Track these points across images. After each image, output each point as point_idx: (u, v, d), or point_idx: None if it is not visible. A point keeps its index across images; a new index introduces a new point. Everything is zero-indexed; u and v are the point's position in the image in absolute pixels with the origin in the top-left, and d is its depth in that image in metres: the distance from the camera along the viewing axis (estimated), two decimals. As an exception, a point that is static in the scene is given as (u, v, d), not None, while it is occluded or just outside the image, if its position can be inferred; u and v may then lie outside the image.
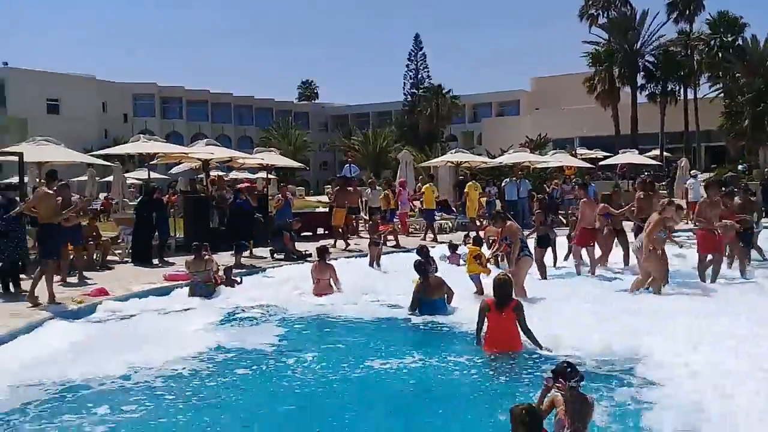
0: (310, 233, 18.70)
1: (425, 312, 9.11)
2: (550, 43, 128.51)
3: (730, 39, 41.57)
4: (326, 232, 19.10)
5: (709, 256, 11.11)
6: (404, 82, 60.32)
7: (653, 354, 6.83)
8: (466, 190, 19.66)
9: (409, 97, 59.60)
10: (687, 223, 16.48)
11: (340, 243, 16.28)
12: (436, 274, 9.91)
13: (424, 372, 7.02)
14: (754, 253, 12.97)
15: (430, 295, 9.22)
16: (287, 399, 6.25)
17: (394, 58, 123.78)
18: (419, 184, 20.59)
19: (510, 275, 8.14)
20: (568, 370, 4.60)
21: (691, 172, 24.42)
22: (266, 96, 69.11)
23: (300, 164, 24.46)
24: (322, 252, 11.15)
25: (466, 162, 23.05)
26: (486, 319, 7.47)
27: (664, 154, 41.01)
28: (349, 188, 17.62)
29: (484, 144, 46.46)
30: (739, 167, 33.34)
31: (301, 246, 15.01)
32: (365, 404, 6.15)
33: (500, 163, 24.97)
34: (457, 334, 8.35)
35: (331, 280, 10.88)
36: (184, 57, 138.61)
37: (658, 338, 7.31)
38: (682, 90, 43.95)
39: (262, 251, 15.13)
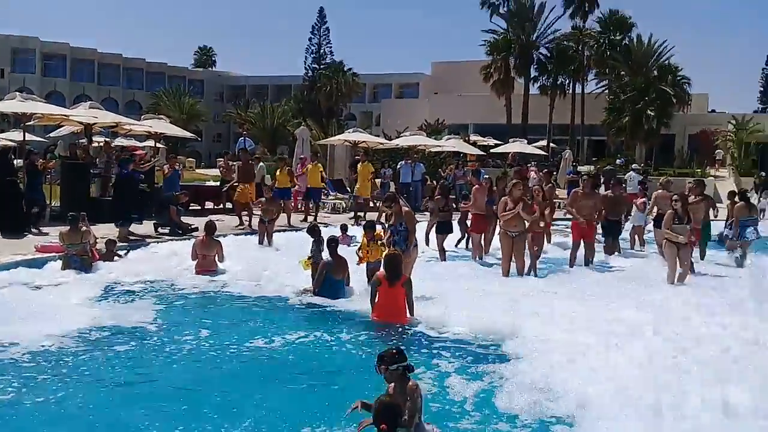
0: (199, 207, 18.15)
1: (325, 292, 9.02)
2: (452, 29, 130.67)
3: (618, 38, 43.91)
4: (217, 206, 18.64)
5: (581, 244, 11.92)
6: (306, 57, 59.49)
7: (524, 332, 7.29)
8: (358, 168, 19.52)
9: (310, 72, 58.81)
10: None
11: (255, 220, 15.83)
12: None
13: (310, 349, 7.12)
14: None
15: (335, 274, 9.18)
16: (168, 377, 6.12)
17: (296, 31, 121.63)
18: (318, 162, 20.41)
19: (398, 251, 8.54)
20: (396, 355, 4.66)
21: (632, 166, 25.73)
22: (159, 59, 66.09)
23: (191, 134, 23.60)
24: (211, 227, 10.87)
25: (363, 142, 23.10)
26: (377, 293, 7.90)
27: (551, 145, 42.92)
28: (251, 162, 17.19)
29: (383, 125, 46.76)
30: (618, 161, 35.45)
31: (189, 221, 14.54)
32: (248, 382, 6.11)
33: (396, 145, 25.23)
34: (347, 313, 8.44)
35: (217, 257, 10.63)
36: (71, 12, 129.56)
37: (532, 318, 7.83)
38: (571, 84, 46.04)
39: (146, 224, 14.53)
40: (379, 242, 9.59)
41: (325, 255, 9.36)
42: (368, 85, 60.00)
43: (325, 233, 10.21)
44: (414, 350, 6.94)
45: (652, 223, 13.59)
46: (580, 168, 29.90)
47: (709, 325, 7.57)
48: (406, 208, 9.68)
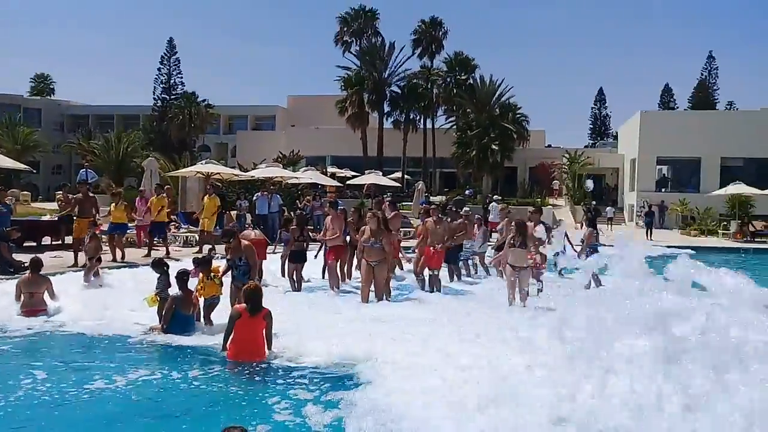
0: (35, 243, 16.70)
1: (174, 328, 8.56)
2: (308, 63, 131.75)
3: (463, 77, 46.57)
4: (55, 242, 17.26)
5: (427, 270, 12.56)
6: (155, 86, 57.28)
7: (378, 357, 7.42)
8: (204, 202, 18.85)
9: (159, 102, 56.65)
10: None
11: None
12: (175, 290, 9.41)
13: (156, 389, 6.72)
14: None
15: (185, 309, 8.75)
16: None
17: (144, 60, 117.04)
18: (164, 195, 19.46)
19: (259, 284, 8.30)
20: None
21: (495, 197, 26.87)
22: (-11, 86, 60.68)
23: (25, 166, 21.72)
24: (36, 264, 10.01)
25: (216, 174, 22.51)
26: (234, 328, 7.55)
27: (406, 177, 44.37)
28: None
29: (239, 157, 45.91)
30: (466, 192, 37.31)
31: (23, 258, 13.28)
32: (87, 426, 5.69)
33: (252, 176, 24.83)
34: (198, 349, 8.06)
35: (47, 294, 9.79)
36: None
37: (386, 343, 7.95)
38: (422, 119, 48.00)
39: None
40: (215, 278, 9.24)
41: (174, 290, 8.93)
42: (223, 116, 58.76)
43: (178, 267, 9.73)
44: (270, 381, 6.84)
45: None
46: (432, 198, 31.11)
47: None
48: (246, 242, 9.42)
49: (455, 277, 13.87)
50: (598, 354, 6.37)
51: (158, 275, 9.50)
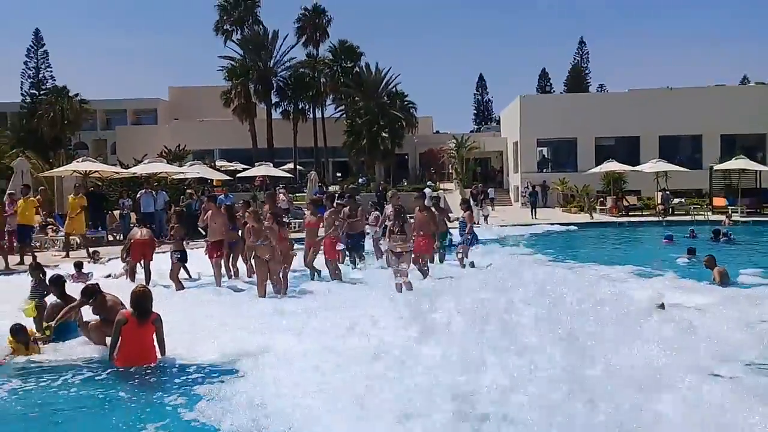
0: None
1: (58, 336, 8.07)
2: (189, 53, 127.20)
3: (349, 65, 46.56)
4: None
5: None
6: (22, 81, 53.45)
7: (269, 350, 7.48)
8: (70, 201, 17.79)
9: (28, 98, 52.87)
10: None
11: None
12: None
13: (39, 400, 6.40)
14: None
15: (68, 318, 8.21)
16: None
17: (9, 53, 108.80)
18: (31, 196, 18.14)
19: (147, 287, 7.92)
20: None
21: (428, 183, 26.73)
22: None
23: None
24: None
25: (95, 171, 21.28)
26: (121, 334, 7.18)
27: (298, 167, 43.94)
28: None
29: (119, 153, 43.73)
30: (360, 180, 37.52)
31: None
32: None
33: (134, 173, 23.69)
34: (84, 358, 7.64)
35: None
36: None
37: (279, 336, 8.01)
38: (311, 109, 47.62)
39: None
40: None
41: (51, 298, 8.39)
42: (99, 111, 55.66)
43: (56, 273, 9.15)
44: (161, 383, 6.72)
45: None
46: (326, 188, 31.02)
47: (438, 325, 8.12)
48: (111, 300, 8.21)
49: (356, 264, 13.91)
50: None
51: (33, 281, 8.90)
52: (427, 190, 25.51)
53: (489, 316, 7.95)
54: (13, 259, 15.69)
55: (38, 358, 7.83)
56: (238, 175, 33.29)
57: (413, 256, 11.63)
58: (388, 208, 14.27)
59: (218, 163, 38.02)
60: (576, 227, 25.11)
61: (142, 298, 7.33)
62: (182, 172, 25.44)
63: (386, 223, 13.47)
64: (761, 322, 8.60)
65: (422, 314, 8.32)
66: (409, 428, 5.19)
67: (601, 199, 31.59)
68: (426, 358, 6.72)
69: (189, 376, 6.90)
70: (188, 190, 24.57)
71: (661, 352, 6.64)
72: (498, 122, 59.54)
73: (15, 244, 16.49)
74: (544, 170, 38.44)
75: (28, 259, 14.96)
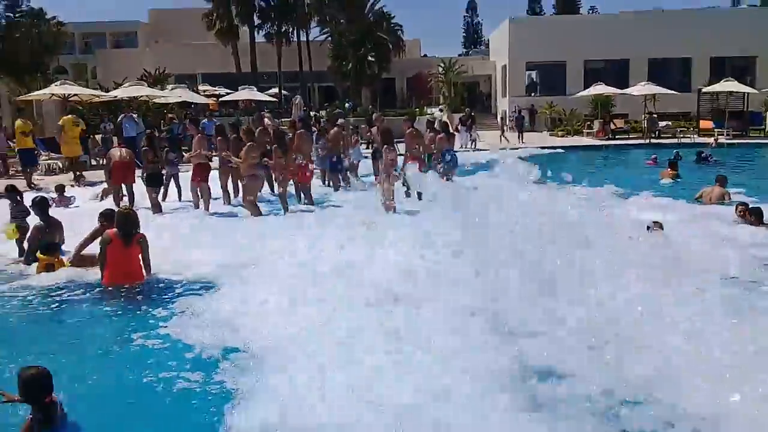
0: None
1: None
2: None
3: (334, -15, 45.05)
4: None
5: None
6: (-4, 3, 51.29)
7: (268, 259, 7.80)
8: (60, 124, 17.50)
9: (3, 20, 50.98)
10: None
11: None
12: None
13: (27, 314, 6.67)
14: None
15: (51, 237, 8.25)
16: None
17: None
18: (19, 121, 17.91)
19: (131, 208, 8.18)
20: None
21: (440, 107, 26.25)
22: None
23: None
24: None
25: (74, 95, 20.83)
26: (107, 254, 7.33)
27: (283, 92, 43.18)
28: None
29: (100, 78, 42.66)
30: (346, 105, 37.01)
31: None
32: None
33: (115, 97, 23.21)
34: (70, 277, 7.71)
35: None
36: None
37: (264, 254, 8.31)
38: (296, 32, 46.37)
39: None
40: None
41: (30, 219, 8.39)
42: (78, 35, 53.98)
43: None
44: (145, 301, 6.89)
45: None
46: (313, 113, 30.60)
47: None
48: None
49: (336, 187, 13.98)
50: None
51: (11, 204, 8.85)
52: (437, 114, 25.33)
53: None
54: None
55: (23, 272, 7.94)
56: (222, 99, 32.74)
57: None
58: (374, 131, 14.22)
59: (201, 87, 37.27)
60: (563, 150, 25.11)
61: (125, 219, 7.42)
62: (164, 96, 24.98)
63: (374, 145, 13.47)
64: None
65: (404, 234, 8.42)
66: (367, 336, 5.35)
67: (589, 122, 31.48)
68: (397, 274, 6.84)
69: (168, 294, 7.10)
70: (169, 115, 24.19)
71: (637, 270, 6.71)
72: (487, 46, 58.42)
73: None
74: (533, 94, 38.05)
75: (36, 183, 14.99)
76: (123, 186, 12.53)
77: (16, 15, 50.60)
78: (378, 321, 5.65)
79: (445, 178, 13.68)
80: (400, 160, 14.35)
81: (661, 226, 8.39)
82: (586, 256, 6.26)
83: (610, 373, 4.70)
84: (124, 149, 12.90)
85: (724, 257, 7.52)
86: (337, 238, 8.69)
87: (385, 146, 11.48)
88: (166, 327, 6.03)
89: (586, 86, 32.81)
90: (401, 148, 12.82)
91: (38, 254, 7.93)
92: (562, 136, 30.93)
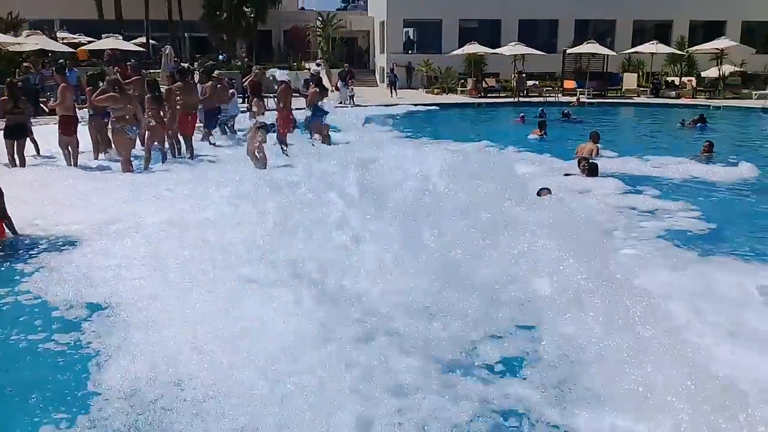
0: None
1: None
2: None
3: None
4: None
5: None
6: None
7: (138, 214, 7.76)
8: None
9: None
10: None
11: None
12: None
13: None
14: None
15: None
16: None
17: None
18: None
19: None
20: None
21: (317, 61, 25.34)
22: None
23: None
24: None
25: None
26: None
27: (151, 42, 40.83)
28: None
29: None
30: (220, 57, 35.70)
31: None
32: None
33: (-39, 42, 21.04)
34: None
35: None
36: None
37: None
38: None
39: None
40: None
41: None
42: None
43: None
44: (13, 254, 6.80)
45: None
46: (183, 64, 29.27)
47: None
48: None
49: (209, 140, 13.74)
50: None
51: None
52: (314, 68, 25.02)
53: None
54: None
55: None
56: (83, 47, 30.52)
57: (279, 131, 11.64)
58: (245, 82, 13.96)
59: (60, 34, 34.48)
60: (437, 108, 25.80)
61: None
62: (18, 43, 22.94)
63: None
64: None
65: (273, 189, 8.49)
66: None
67: (462, 81, 32.43)
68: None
69: (31, 251, 6.89)
70: (25, 63, 22.29)
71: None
72: (365, 1, 58.13)
73: None
74: (410, 52, 38.52)
75: None
76: None
77: None
78: (239, 277, 5.78)
79: (317, 133, 13.74)
80: (271, 115, 14.33)
81: (549, 191, 8.92)
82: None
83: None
84: None
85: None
86: (207, 194, 8.68)
87: (254, 99, 11.44)
88: (27, 283, 5.92)
89: (461, 45, 33.68)
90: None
91: None
92: (438, 94, 31.71)
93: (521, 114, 20.48)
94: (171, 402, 3.99)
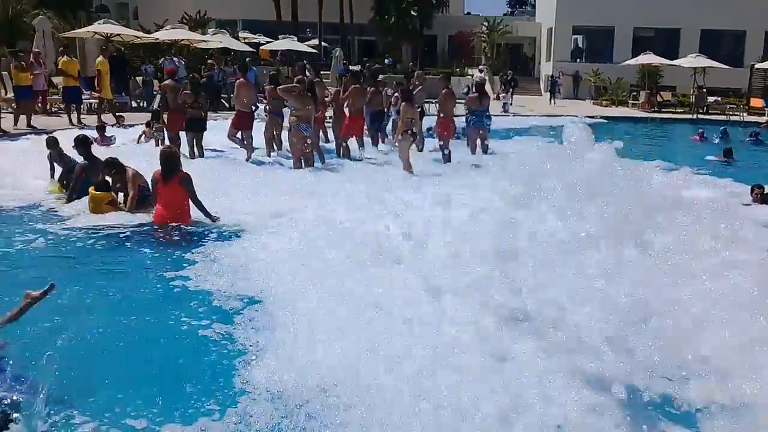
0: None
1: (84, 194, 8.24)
2: None
3: (378, -63, 43.92)
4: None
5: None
6: (41, -63, 51.28)
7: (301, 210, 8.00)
8: (96, 66, 17.29)
9: (48, -45, 50.99)
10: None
11: None
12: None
13: (76, 246, 6.95)
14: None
15: (95, 177, 8.33)
16: None
17: None
18: (60, 58, 18.02)
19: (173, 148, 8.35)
20: None
21: (479, 67, 26.28)
22: None
23: None
24: None
25: (117, 35, 20.83)
26: (157, 193, 7.65)
27: (323, 44, 42.68)
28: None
29: (141, 19, 42.56)
30: (386, 61, 36.47)
31: None
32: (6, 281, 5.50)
33: (156, 39, 23.17)
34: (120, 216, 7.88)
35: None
36: None
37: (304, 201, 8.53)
38: (338, -18, 45.47)
39: None
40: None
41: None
42: (121, -27, 53.75)
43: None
44: (184, 242, 7.18)
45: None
46: (351, 67, 30.24)
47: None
48: (131, 172, 8.18)
49: (375, 141, 13.89)
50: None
51: (50, 156, 9.01)
52: (477, 75, 24.97)
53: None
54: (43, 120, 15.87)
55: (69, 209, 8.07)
56: (262, 47, 32.48)
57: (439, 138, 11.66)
58: (389, 91, 14.00)
59: (241, 34, 36.99)
60: (605, 120, 24.50)
61: (165, 158, 7.63)
62: (205, 41, 24.85)
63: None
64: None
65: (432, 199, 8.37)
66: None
67: (634, 93, 30.61)
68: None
69: (201, 238, 7.25)
70: (209, 60, 24.09)
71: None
72: (533, 6, 56.82)
73: (40, 104, 16.67)
74: (578, 60, 37.04)
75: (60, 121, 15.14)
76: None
77: (62, -50, 50.68)
78: (394, 282, 5.64)
79: (476, 141, 13.46)
80: (431, 120, 14.25)
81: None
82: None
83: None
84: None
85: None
86: (364, 195, 8.73)
87: (404, 104, 11.36)
88: (190, 270, 6.19)
89: (634, 55, 31.79)
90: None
91: (92, 192, 7.96)
92: (606, 106, 30.18)
93: (700, 131, 18.83)
94: (316, 409, 3.92)
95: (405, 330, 4.77)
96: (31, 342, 4.37)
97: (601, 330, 4.43)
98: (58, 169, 9.28)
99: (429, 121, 14.56)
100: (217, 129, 14.01)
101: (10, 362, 3.89)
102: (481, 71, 26.37)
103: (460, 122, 13.84)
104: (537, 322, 4.76)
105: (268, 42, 33.20)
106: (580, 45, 38.39)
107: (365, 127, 13.26)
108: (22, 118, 15.34)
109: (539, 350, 4.48)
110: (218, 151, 13.25)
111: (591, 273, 4.97)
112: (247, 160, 12.20)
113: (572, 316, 4.65)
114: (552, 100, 29.01)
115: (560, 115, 25.10)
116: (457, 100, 13.75)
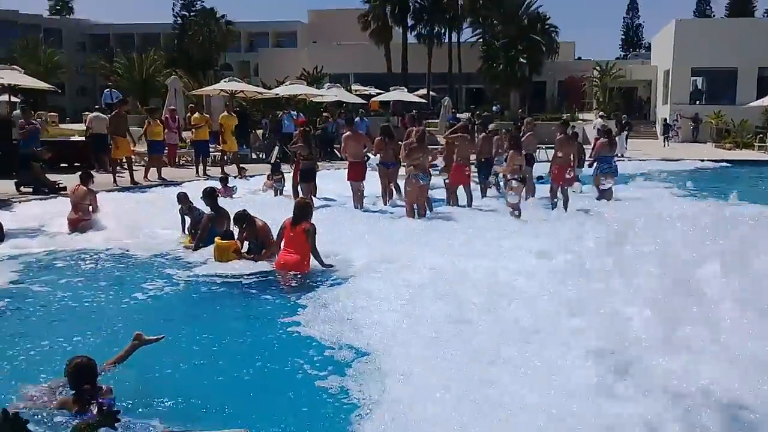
0: (66, 164, 16.90)
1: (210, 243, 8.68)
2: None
3: (489, -14, 44.60)
4: (84, 165, 17.44)
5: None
6: (174, 3, 56.23)
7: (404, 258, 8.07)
8: (220, 121, 18.34)
9: (179, 19, 55.67)
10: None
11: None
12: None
13: (200, 297, 7.22)
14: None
15: (220, 226, 8.84)
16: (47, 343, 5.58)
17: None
18: (189, 114, 19.46)
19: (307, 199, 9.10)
20: None
21: (600, 114, 26.75)
22: (8, 6, 59.82)
23: (49, 86, 21.52)
24: (87, 176, 10.27)
25: (240, 91, 22.25)
26: (279, 236, 8.12)
27: (431, 93, 43.47)
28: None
29: (261, 75, 45.29)
30: (494, 108, 36.58)
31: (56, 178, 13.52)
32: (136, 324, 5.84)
33: (276, 94, 24.54)
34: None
35: (91, 207, 10.05)
36: None
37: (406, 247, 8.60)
38: (447, 33, 46.50)
39: (6, 183, 13.37)
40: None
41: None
42: (244, 33, 57.69)
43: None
44: (301, 289, 7.27)
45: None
46: (459, 115, 30.56)
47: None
48: (260, 223, 8.58)
49: (485, 193, 13.90)
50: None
51: (182, 210, 9.66)
52: (598, 120, 24.68)
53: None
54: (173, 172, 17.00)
55: (193, 257, 8.58)
56: (373, 99, 33.52)
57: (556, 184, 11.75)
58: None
59: (353, 87, 38.40)
60: (729, 164, 23.18)
61: (299, 207, 8.15)
62: (320, 95, 26.01)
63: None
64: None
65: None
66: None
67: (761, 135, 28.84)
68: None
69: (313, 283, 7.45)
70: (324, 113, 25.14)
71: None
72: (648, 49, 55.30)
73: (174, 158, 18.00)
74: (697, 102, 35.48)
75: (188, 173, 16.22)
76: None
77: (191, 14, 55.14)
78: (508, 334, 5.55)
79: (600, 187, 13.20)
80: (544, 167, 14.10)
81: None
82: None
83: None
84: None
85: None
86: (475, 244, 8.75)
87: (511, 151, 11.37)
88: (299, 316, 6.28)
89: (760, 95, 30.05)
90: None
91: (217, 241, 8.41)
92: (730, 149, 28.57)
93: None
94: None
95: (511, 393, 4.53)
96: (147, 385, 4.59)
97: None
98: (187, 222, 9.86)
99: (540, 169, 14.48)
100: (331, 178, 14.50)
101: (124, 405, 3.95)
102: (601, 117, 25.86)
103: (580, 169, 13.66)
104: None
105: (378, 93, 34.23)
106: (700, 87, 36.80)
107: (471, 174, 13.29)
108: (153, 170, 16.41)
109: None
110: (330, 199, 13.65)
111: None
112: (356, 207, 12.52)
113: None
114: (666, 143, 27.89)
115: (680, 159, 24.05)
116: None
